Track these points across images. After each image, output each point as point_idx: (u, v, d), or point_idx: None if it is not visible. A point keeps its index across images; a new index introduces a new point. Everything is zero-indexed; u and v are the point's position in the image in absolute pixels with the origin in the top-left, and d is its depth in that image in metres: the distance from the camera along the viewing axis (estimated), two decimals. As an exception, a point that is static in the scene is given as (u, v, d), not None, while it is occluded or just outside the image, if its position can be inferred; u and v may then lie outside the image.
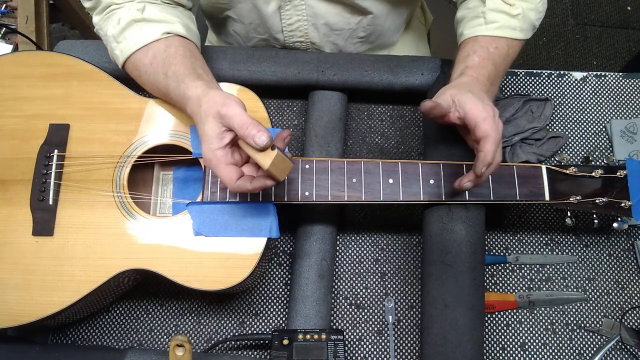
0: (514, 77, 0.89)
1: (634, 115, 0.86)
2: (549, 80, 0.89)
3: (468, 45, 0.72)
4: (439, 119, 0.66)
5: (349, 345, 0.75)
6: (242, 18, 0.85)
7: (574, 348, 0.75)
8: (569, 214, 0.72)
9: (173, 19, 0.70)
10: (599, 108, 0.87)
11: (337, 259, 0.79)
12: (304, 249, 0.75)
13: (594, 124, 0.86)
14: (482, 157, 0.61)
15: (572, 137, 0.86)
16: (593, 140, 0.85)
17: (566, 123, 0.87)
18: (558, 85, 0.89)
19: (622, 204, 0.69)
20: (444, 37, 0.77)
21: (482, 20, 0.72)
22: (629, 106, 0.87)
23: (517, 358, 0.75)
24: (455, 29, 0.78)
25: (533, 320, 0.76)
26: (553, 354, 0.75)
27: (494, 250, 0.80)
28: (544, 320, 0.76)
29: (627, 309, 0.77)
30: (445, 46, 0.77)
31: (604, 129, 0.86)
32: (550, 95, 0.88)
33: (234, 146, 0.60)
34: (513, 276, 0.79)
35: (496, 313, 0.77)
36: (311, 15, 0.82)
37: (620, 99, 0.88)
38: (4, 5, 1.14)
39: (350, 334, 0.76)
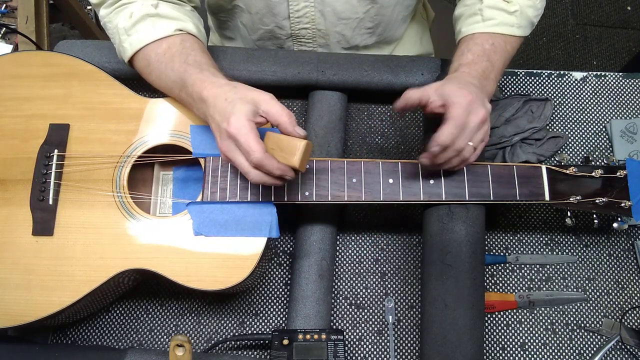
0: (514, 77, 0.89)
1: (634, 115, 0.86)
2: (549, 80, 0.89)
3: (464, 44, 0.72)
4: (425, 110, 0.65)
5: (349, 345, 0.75)
6: (249, 7, 0.86)
7: (574, 348, 0.75)
8: (569, 214, 0.72)
9: (185, 18, 0.71)
10: (599, 108, 0.87)
11: (337, 259, 0.79)
12: (304, 249, 0.75)
13: (594, 124, 0.86)
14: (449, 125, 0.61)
15: (572, 137, 0.86)
16: (593, 140, 0.85)
17: (566, 123, 0.87)
18: (558, 85, 0.89)
19: (622, 204, 0.69)
20: (444, 34, 0.77)
21: (479, 18, 0.72)
22: (629, 106, 0.87)
23: (517, 358, 0.75)
24: (454, 26, 0.78)
25: (533, 320, 0.76)
26: (553, 354, 0.75)
27: (494, 250, 0.80)
28: (544, 320, 0.76)
29: (627, 309, 0.77)
30: (446, 43, 0.77)
31: (604, 129, 0.86)
32: (550, 95, 0.88)
33: None
34: (513, 276, 0.79)
35: (496, 313, 0.77)
36: (319, 2, 0.82)
37: (620, 99, 0.88)
38: (4, 5, 1.14)
39: (350, 334, 0.76)
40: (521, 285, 0.78)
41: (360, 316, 0.77)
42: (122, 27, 0.70)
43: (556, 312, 0.77)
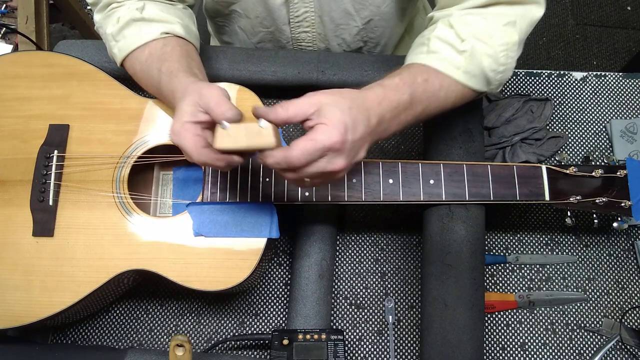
0: (514, 77, 0.89)
1: (634, 115, 0.86)
2: (549, 80, 0.89)
3: (401, 68, 0.63)
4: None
5: (349, 345, 0.75)
6: (247, 12, 0.85)
7: (574, 348, 0.75)
8: (569, 214, 0.72)
9: (173, 19, 0.70)
10: (599, 108, 0.87)
11: (337, 259, 0.79)
12: (304, 249, 0.75)
13: (594, 124, 0.86)
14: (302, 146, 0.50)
15: (572, 137, 0.86)
16: (593, 140, 0.85)
17: (566, 123, 0.87)
18: (558, 85, 0.89)
19: (622, 204, 0.69)
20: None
21: (425, 48, 0.64)
22: (629, 106, 0.87)
23: (517, 358, 0.75)
24: None
25: (533, 320, 0.76)
26: (553, 354, 0.75)
27: (494, 250, 0.80)
28: (544, 320, 0.76)
29: (627, 309, 0.77)
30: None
31: (604, 129, 0.86)
32: (550, 95, 0.88)
33: (205, 129, 0.57)
34: (513, 276, 0.79)
35: (496, 313, 0.77)
36: (318, 8, 0.82)
37: (620, 99, 0.88)
38: (4, 5, 1.14)
39: (350, 334, 0.76)
40: (521, 285, 0.78)
41: (360, 316, 0.77)
42: (109, 34, 0.69)
43: (556, 312, 0.77)
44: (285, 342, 0.69)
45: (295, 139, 0.51)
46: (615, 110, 0.87)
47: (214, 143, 0.54)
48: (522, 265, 0.79)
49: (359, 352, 0.75)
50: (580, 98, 0.88)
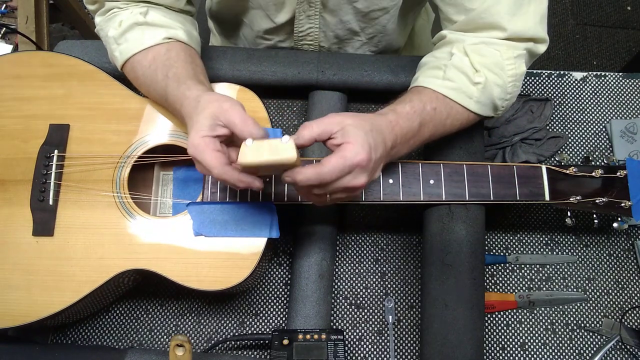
0: (514, 77, 0.89)
1: (634, 115, 0.87)
2: (549, 80, 0.89)
3: (413, 94, 0.66)
4: (325, 144, 0.58)
5: (349, 345, 0.75)
6: (252, 24, 0.86)
7: (574, 348, 0.75)
8: (569, 214, 0.72)
9: (175, 25, 0.70)
10: (599, 108, 0.87)
11: (337, 259, 0.79)
12: (304, 249, 0.75)
13: (594, 124, 0.86)
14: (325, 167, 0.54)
15: (572, 137, 0.86)
16: (593, 140, 0.86)
17: (566, 123, 0.87)
18: (558, 85, 0.89)
19: (622, 204, 0.69)
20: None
21: (440, 73, 0.66)
22: (629, 106, 0.87)
23: (517, 358, 0.75)
24: (416, 71, 0.72)
25: (533, 320, 0.76)
26: (553, 354, 0.75)
27: (494, 250, 0.80)
28: (544, 320, 0.76)
29: (627, 309, 0.77)
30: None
31: (604, 129, 0.86)
32: (550, 95, 0.88)
33: (222, 143, 0.58)
34: (513, 276, 0.79)
35: (496, 313, 0.77)
36: (323, 24, 0.82)
37: (620, 99, 0.88)
38: (4, 5, 1.14)
39: (350, 334, 0.76)
40: (521, 285, 0.78)
41: (360, 316, 0.77)
42: (111, 37, 0.69)
43: (556, 312, 0.77)
44: (285, 342, 0.69)
45: (325, 157, 0.55)
46: (615, 110, 0.87)
47: (238, 158, 0.55)
48: (522, 265, 0.79)
49: (359, 352, 0.75)
50: (580, 98, 0.88)
